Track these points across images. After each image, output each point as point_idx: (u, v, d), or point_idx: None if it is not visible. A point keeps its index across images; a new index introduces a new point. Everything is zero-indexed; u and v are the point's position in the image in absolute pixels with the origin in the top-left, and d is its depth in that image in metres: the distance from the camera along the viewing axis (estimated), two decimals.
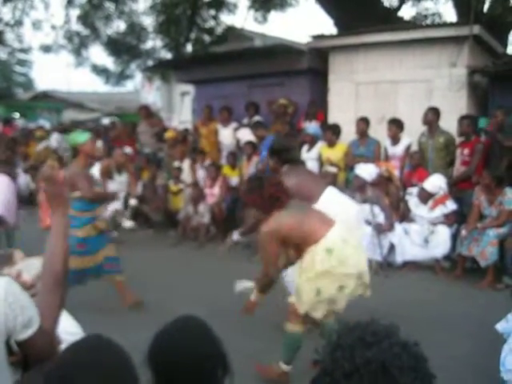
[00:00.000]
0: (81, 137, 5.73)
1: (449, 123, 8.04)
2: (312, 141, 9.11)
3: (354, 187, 7.66)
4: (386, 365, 1.14)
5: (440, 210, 7.44)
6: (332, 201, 5.00)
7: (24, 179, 12.08)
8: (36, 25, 17.06)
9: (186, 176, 10.10)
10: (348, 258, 3.86)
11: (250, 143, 9.33)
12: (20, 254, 2.93)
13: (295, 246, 4.03)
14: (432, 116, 8.04)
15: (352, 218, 5.20)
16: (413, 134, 8.38)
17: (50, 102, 26.08)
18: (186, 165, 10.21)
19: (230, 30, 15.22)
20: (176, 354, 1.77)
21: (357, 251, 3.99)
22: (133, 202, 8.92)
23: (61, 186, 2.00)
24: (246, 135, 9.71)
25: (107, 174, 8.78)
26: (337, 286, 3.85)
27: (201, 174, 9.99)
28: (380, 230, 7.41)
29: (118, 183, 9.04)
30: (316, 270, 3.83)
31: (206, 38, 15.34)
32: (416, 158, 8.07)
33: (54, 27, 16.67)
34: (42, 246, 1.95)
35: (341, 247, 3.87)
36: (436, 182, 7.44)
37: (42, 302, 1.78)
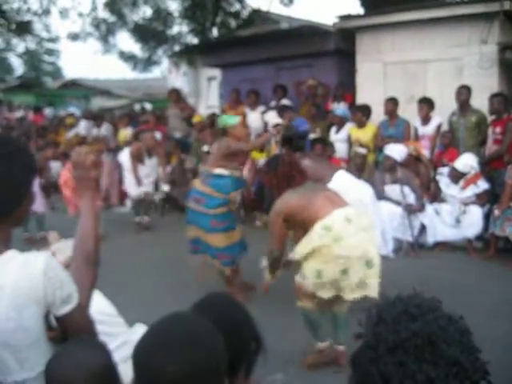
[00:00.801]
0: (231, 119, 5.74)
1: (479, 102, 7.92)
2: (340, 122, 9.07)
3: (384, 168, 7.62)
4: (433, 338, 1.12)
5: (471, 190, 7.35)
6: (343, 185, 4.95)
7: (55, 166, 12.23)
8: (63, 13, 17.26)
9: None
10: (346, 238, 3.75)
11: (278, 125, 9.30)
12: (55, 235, 3.02)
13: (301, 226, 3.96)
14: (465, 94, 7.92)
15: (363, 202, 5.14)
16: (442, 113, 8.27)
17: (79, 89, 26.33)
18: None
19: (256, 13, 15.17)
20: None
21: (361, 234, 3.83)
22: (165, 187, 9.00)
23: (89, 170, 2.04)
24: (274, 118, 9.69)
25: (138, 158, 8.84)
26: (339, 270, 3.76)
27: None
28: (411, 210, 7.35)
29: (149, 167, 9.10)
30: (312, 245, 3.78)
31: (232, 21, 15.34)
32: (447, 137, 7.98)
33: (80, 15, 16.83)
34: (74, 230, 1.99)
35: (341, 226, 3.78)
36: (467, 162, 7.35)
37: (75, 282, 1.81)
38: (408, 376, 1.09)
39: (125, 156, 9.23)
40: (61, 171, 9.67)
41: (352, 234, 3.77)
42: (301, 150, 5.67)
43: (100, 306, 2.90)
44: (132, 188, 8.99)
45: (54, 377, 1.56)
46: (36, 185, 7.57)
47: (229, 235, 5.54)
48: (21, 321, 1.62)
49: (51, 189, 9.31)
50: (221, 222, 5.46)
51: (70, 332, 1.73)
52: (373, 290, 3.81)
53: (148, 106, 14.43)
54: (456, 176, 7.40)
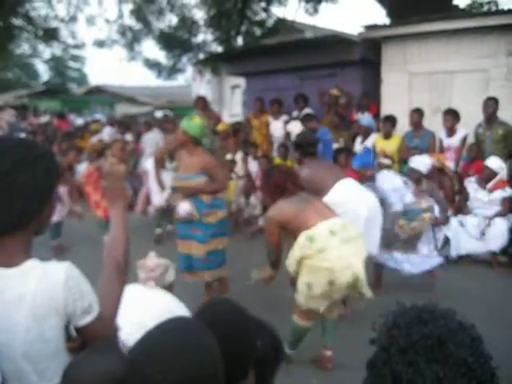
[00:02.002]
0: (189, 124, 5.73)
1: (506, 114, 7.84)
2: (366, 133, 9.03)
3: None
4: (442, 339, 1.17)
5: (499, 194, 7.26)
6: (342, 194, 5.16)
7: (80, 170, 12.32)
8: (90, 20, 17.44)
9: (239, 168, 10.15)
10: (329, 250, 3.88)
11: None
12: (153, 254, 3.25)
13: (292, 234, 4.16)
14: (493, 106, 7.84)
15: (363, 212, 5.25)
16: (468, 125, 8.20)
17: (103, 96, 26.59)
18: (238, 157, 10.26)
19: (281, 23, 15.19)
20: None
21: (345, 246, 3.95)
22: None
23: (120, 180, 2.04)
24: (297, 128, 9.68)
25: (161, 164, 8.77)
26: (326, 281, 3.89)
27: (253, 166, 10.01)
28: (435, 223, 7.27)
29: (169, 171, 8.96)
30: (295, 256, 3.97)
31: (257, 30, 15.36)
32: (474, 150, 7.91)
33: (107, 22, 16.97)
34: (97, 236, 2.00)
35: (324, 238, 3.92)
36: (497, 161, 7.28)
37: (103, 290, 1.80)
38: (418, 374, 1.14)
39: (149, 164, 9.24)
40: (89, 170, 9.71)
41: (335, 246, 3.91)
42: (311, 156, 5.82)
43: (170, 305, 2.98)
44: (156, 196, 8.97)
45: None
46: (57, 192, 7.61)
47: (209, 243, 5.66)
48: (41, 331, 1.61)
49: (77, 193, 9.31)
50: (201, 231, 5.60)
51: (89, 342, 1.72)
52: (365, 289, 4.00)
53: (169, 113, 14.44)
54: (487, 175, 7.28)
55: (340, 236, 3.98)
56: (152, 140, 10.80)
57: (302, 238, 3.97)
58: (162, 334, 1.40)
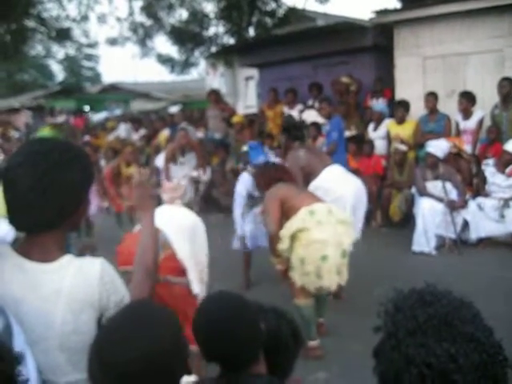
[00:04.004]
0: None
1: None
2: (379, 118, 8.99)
3: (426, 165, 7.52)
4: (449, 318, 1.19)
5: None
6: (328, 181, 5.51)
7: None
8: (101, 18, 17.51)
9: None
10: (326, 224, 4.20)
11: (314, 124, 9.27)
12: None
13: (286, 214, 4.42)
14: (508, 86, 7.75)
15: (350, 198, 5.52)
16: (484, 106, 8.13)
17: (118, 93, 26.68)
18: None
19: (292, 12, 15.12)
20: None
21: (339, 225, 4.29)
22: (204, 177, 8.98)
23: (150, 190, 2.12)
24: (311, 116, 9.66)
25: (172, 159, 8.80)
26: (319, 256, 4.12)
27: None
28: (453, 206, 7.23)
29: (185, 168, 8.96)
30: (296, 226, 4.20)
31: (268, 20, 15.31)
32: (494, 132, 7.83)
33: (118, 19, 17.02)
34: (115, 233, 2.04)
35: (323, 213, 4.26)
36: None
37: (133, 291, 1.85)
38: (430, 355, 1.15)
39: (161, 160, 9.28)
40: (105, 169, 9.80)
41: (332, 222, 4.25)
42: (299, 140, 6.02)
43: None
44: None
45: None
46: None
47: None
48: (77, 324, 1.66)
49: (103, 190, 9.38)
50: None
51: None
52: (344, 278, 4.33)
53: (174, 109, 14.45)
54: (507, 160, 7.21)
55: (336, 217, 4.31)
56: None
57: (302, 212, 4.26)
58: (119, 320, 1.45)
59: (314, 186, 5.52)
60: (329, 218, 4.25)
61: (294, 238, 4.24)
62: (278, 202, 4.46)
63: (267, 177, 4.86)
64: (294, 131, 6.09)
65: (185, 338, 1.46)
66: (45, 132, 11.99)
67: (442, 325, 1.18)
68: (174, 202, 3.63)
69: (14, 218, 1.68)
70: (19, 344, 1.50)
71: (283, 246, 4.29)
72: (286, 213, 4.40)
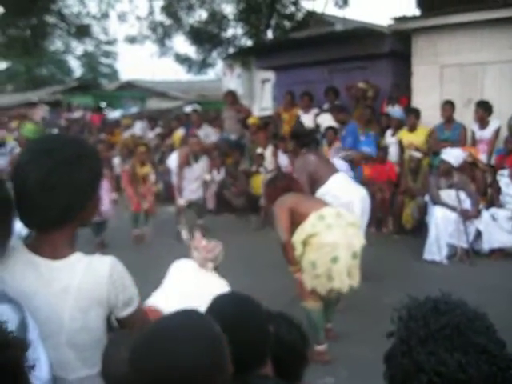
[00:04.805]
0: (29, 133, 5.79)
1: None
2: (398, 125, 8.99)
3: (439, 172, 7.50)
4: (461, 328, 1.19)
5: None
6: (335, 188, 5.57)
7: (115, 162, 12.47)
8: (121, 17, 17.64)
9: (269, 162, 10.16)
10: (336, 227, 4.23)
11: (330, 129, 9.28)
12: (199, 234, 3.39)
13: (296, 221, 4.43)
14: None
15: (357, 203, 5.61)
16: (502, 117, 8.09)
17: (135, 91, 26.79)
18: (268, 151, 10.27)
19: (311, 16, 15.15)
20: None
21: (349, 228, 4.33)
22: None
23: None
24: (327, 121, 9.67)
25: (186, 163, 8.79)
26: (329, 258, 4.15)
27: (283, 160, 10.02)
28: (466, 216, 7.20)
29: (198, 170, 8.95)
30: (306, 232, 4.23)
31: (287, 24, 15.34)
32: (511, 142, 7.76)
33: (138, 18, 17.12)
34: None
35: (332, 217, 4.31)
36: None
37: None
38: (441, 363, 1.16)
39: (173, 161, 9.29)
40: (123, 168, 9.88)
41: (342, 225, 4.29)
42: (307, 146, 6.06)
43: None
44: (186, 192, 8.77)
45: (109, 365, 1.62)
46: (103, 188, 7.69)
47: None
48: (86, 321, 1.68)
49: (115, 186, 9.38)
50: None
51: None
52: (356, 280, 4.33)
53: (190, 108, 14.51)
54: None
55: (345, 219, 4.37)
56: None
57: (311, 217, 4.29)
58: (160, 330, 1.37)
59: (321, 192, 5.58)
60: (338, 220, 4.30)
61: (305, 243, 4.27)
62: (288, 211, 4.48)
63: (278, 189, 4.82)
64: (303, 137, 6.17)
65: (227, 353, 1.38)
66: (27, 128, 12.09)
67: (455, 335, 1.19)
68: (205, 265, 3.20)
69: (22, 215, 1.69)
70: (34, 339, 1.52)
71: (298, 252, 4.31)
72: (297, 221, 4.41)
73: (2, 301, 1.54)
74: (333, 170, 5.92)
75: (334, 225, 4.24)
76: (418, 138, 8.51)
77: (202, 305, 2.47)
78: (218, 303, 1.83)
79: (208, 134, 10.89)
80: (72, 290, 1.66)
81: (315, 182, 5.69)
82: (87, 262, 1.71)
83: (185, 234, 8.52)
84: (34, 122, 13.73)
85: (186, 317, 1.41)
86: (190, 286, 2.99)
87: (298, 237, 4.31)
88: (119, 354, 1.59)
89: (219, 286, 3.00)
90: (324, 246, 4.17)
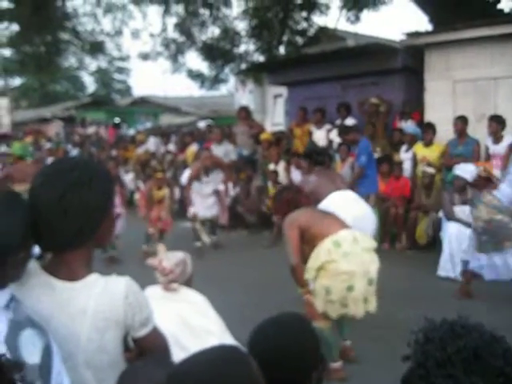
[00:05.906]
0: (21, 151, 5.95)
1: None
2: (412, 140, 8.97)
3: (454, 188, 7.46)
4: (479, 352, 1.19)
5: None
6: (333, 205, 5.22)
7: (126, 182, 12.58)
8: (135, 34, 17.81)
9: (282, 178, 10.17)
10: (353, 255, 4.08)
11: (343, 144, 9.27)
12: (163, 247, 3.15)
13: (309, 241, 4.28)
14: None
15: (365, 225, 5.35)
16: None
17: (148, 107, 26.99)
18: (280, 167, 10.29)
19: (323, 31, 15.20)
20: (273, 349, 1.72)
21: (365, 254, 4.19)
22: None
23: None
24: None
25: (196, 177, 8.81)
26: (345, 286, 4.04)
27: (295, 175, 10.01)
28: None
29: (210, 185, 8.94)
30: (322, 260, 4.08)
31: (299, 39, 15.40)
32: None
33: (151, 35, 17.26)
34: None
35: (349, 244, 4.14)
36: None
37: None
38: None
39: (186, 178, 9.33)
40: (137, 184, 9.99)
41: (358, 252, 4.13)
42: (320, 165, 6.10)
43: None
44: (199, 207, 8.75)
45: None
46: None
47: None
48: (102, 342, 1.69)
49: (126, 203, 9.45)
50: None
51: (146, 353, 1.79)
52: (373, 305, 4.22)
53: (211, 123, 14.62)
54: None
55: (361, 245, 4.21)
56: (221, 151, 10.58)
57: (327, 243, 4.13)
58: (202, 362, 1.34)
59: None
60: (354, 247, 4.15)
61: (319, 268, 4.14)
62: (298, 229, 4.31)
63: (284, 201, 4.78)
64: (316, 156, 6.24)
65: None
66: (15, 147, 12.30)
67: (472, 358, 1.19)
68: (169, 288, 2.81)
69: (37, 238, 1.68)
70: (57, 363, 1.54)
71: (310, 276, 4.20)
72: (309, 241, 4.28)
73: (27, 326, 1.55)
74: (338, 187, 5.72)
75: (351, 252, 4.09)
76: (432, 153, 8.49)
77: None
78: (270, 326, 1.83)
79: (228, 152, 10.91)
80: (89, 311, 1.66)
81: (318, 201, 5.55)
82: (103, 283, 1.71)
83: (205, 237, 8.65)
84: (47, 136, 13.86)
85: (227, 354, 1.37)
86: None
87: (313, 263, 4.16)
88: (139, 377, 1.59)
89: (192, 302, 2.82)
90: (340, 274, 4.05)
